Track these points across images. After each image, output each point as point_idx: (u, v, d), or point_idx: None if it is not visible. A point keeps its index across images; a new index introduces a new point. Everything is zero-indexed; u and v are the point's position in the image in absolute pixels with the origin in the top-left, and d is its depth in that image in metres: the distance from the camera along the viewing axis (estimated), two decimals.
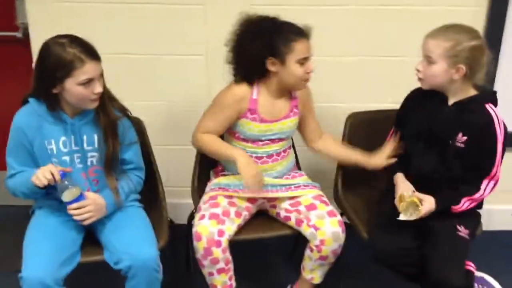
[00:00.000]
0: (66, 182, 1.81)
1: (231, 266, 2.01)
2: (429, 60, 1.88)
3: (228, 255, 1.97)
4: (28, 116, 1.89)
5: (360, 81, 2.59)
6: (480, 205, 2.07)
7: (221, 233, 1.95)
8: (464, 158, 1.95)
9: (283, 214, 2.11)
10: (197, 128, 2.14)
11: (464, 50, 1.83)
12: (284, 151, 2.18)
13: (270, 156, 2.14)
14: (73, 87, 1.80)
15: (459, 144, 1.93)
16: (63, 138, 1.91)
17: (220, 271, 1.99)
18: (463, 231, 1.96)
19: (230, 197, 2.09)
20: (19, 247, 1.88)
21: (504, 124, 1.94)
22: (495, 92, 1.99)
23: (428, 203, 1.92)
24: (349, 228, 2.12)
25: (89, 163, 1.96)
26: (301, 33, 1.96)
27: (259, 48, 1.95)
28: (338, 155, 2.22)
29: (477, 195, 1.96)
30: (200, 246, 1.94)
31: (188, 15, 2.47)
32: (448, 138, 1.94)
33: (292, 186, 2.15)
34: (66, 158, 1.92)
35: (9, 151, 1.92)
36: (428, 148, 1.99)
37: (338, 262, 2.13)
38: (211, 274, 2.01)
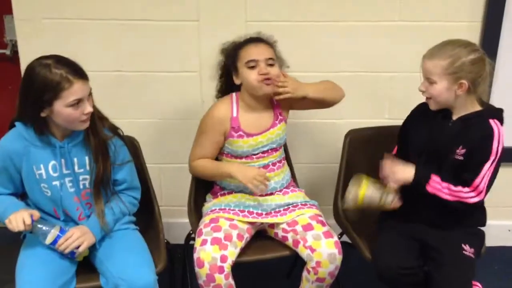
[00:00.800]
0: (42, 227, 1.79)
1: None
2: (429, 81, 1.86)
3: (230, 280, 1.93)
4: (15, 141, 1.82)
5: (356, 97, 2.57)
6: (483, 221, 2.04)
7: (224, 258, 1.91)
8: (461, 170, 1.91)
9: (280, 234, 2.09)
10: (190, 157, 2.17)
11: (464, 65, 1.81)
12: (280, 161, 2.17)
13: (266, 166, 2.12)
14: (62, 109, 1.74)
15: (458, 157, 1.90)
16: (52, 162, 1.85)
17: None
18: (468, 250, 1.92)
19: (231, 219, 2.04)
20: (11, 272, 1.82)
21: (503, 144, 1.89)
22: (501, 110, 1.95)
23: (407, 170, 1.91)
24: (350, 246, 2.08)
25: (81, 186, 1.90)
26: (247, 40, 2.07)
27: (227, 66, 2.10)
28: None
29: (455, 189, 1.88)
30: (202, 272, 1.89)
31: (182, 31, 2.44)
32: (448, 152, 1.91)
33: (290, 206, 2.12)
34: (56, 182, 1.86)
35: None
36: (429, 163, 1.96)
37: (339, 281, 2.08)
38: None
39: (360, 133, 2.33)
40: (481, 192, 1.88)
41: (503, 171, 2.77)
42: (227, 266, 1.90)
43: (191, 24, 2.43)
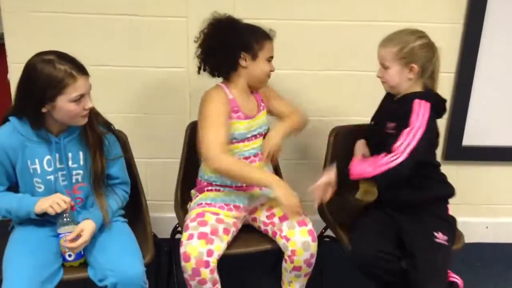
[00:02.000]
0: (68, 219, 1.83)
1: (218, 286, 1.98)
2: (384, 66, 2.02)
3: (216, 275, 1.94)
4: (10, 136, 1.82)
5: (342, 95, 2.61)
6: (450, 191, 2.10)
7: (210, 253, 1.92)
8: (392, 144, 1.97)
9: (262, 227, 2.12)
10: (210, 147, 1.98)
11: (413, 50, 1.96)
12: (255, 155, 2.18)
13: (256, 155, 2.15)
14: (65, 105, 1.75)
15: (389, 131, 2.01)
16: (47, 157, 1.86)
17: None
18: (441, 238, 1.97)
19: (217, 213, 2.06)
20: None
21: (426, 118, 1.94)
22: (436, 94, 2.05)
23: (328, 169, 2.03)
24: (335, 241, 2.12)
25: (74, 181, 1.91)
26: (269, 35, 2.09)
27: (234, 43, 2.02)
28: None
29: (377, 161, 1.92)
30: (188, 266, 1.91)
31: (171, 27, 2.45)
32: (382, 127, 2.05)
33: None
34: (51, 177, 1.87)
35: None
36: (372, 137, 2.14)
37: (322, 274, 2.12)
38: None
39: (344, 130, 2.36)
40: (402, 152, 1.90)
41: (480, 170, 2.86)
42: (212, 261, 1.91)
43: (179, 20, 2.44)
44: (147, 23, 2.44)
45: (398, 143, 1.91)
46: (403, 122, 1.95)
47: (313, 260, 2.06)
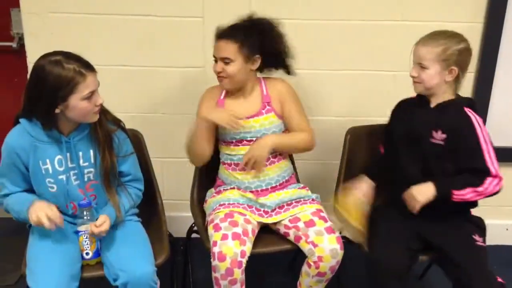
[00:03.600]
0: (88, 217, 1.87)
1: (244, 286, 1.99)
2: (421, 66, 1.96)
3: (243, 276, 1.96)
4: (21, 137, 1.85)
5: (358, 95, 2.59)
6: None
7: (243, 254, 1.94)
8: (444, 158, 1.97)
9: (282, 230, 2.11)
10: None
11: (454, 53, 1.93)
12: (274, 156, 2.17)
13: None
14: (78, 103, 1.78)
15: (437, 141, 1.97)
16: (58, 156, 1.88)
17: None
18: (479, 241, 1.97)
19: (243, 214, 2.07)
20: (15, 261, 1.84)
21: (482, 124, 1.98)
22: (472, 99, 2.09)
23: (425, 189, 1.93)
24: (350, 242, 2.10)
25: (86, 179, 1.93)
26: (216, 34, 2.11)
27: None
28: None
29: (480, 188, 1.94)
30: (222, 266, 1.92)
31: (187, 27, 2.46)
32: (426, 136, 2.00)
33: (293, 201, 2.14)
34: (62, 176, 1.89)
35: (2, 172, 1.89)
36: (408, 147, 2.04)
37: (339, 277, 2.10)
38: None
39: (360, 130, 2.35)
40: (499, 176, 1.95)
41: (501, 171, 2.80)
42: (244, 262, 1.94)
43: (196, 20, 2.45)
44: (164, 23, 2.45)
45: (492, 167, 1.93)
46: (457, 134, 1.94)
47: (337, 267, 2.04)
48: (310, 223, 2.04)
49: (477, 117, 1.97)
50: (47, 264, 1.80)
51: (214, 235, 1.98)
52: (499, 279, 1.97)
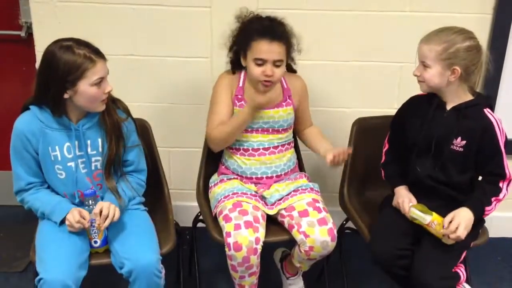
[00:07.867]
0: (94, 206, 1.88)
1: (259, 267, 2.05)
2: (424, 64, 1.89)
3: (259, 259, 2.01)
4: (30, 123, 1.86)
5: (366, 86, 2.59)
6: None
7: (257, 240, 1.97)
8: (462, 163, 1.95)
9: (279, 218, 2.13)
10: (207, 130, 2.16)
11: (458, 51, 1.83)
12: (282, 145, 2.19)
13: (266, 148, 2.15)
14: (87, 89, 1.79)
15: (457, 148, 1.93)
16: (67, 144, 1.89)
17: (251, 274, 2.04)
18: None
19: (250, 202, 2.08)
20: (23, 249, 1.86)
21: (502, 125, 1.95)
22: (490, 97, 2.02)
23: (464, 215, 1.88)
24: (356, 233, 2.11)
25: (93, 168, 1.95)
26: (263, 32, 2.03)
27: (237, 42, 2.11)
28: (310, 145, 2.27)
29: (501, 195, 1.94)
30: (239, 255, 1.95)
31: (194, 17, 2.46)
32: (446, 143, 1.94)
33: (292, 191, 2.15)
34: (71, 164, 1.91)
35: (14, 160, 1.90)
36: (426, 153, 1.98)
37: (342, 267, 2.11)
38: (242, 277, 2.05)
39: (367, 121, 2.34)
40: (510, 176, 1.96)
41: (509, 163, 2.79)
42: (259, 248, 1.98)
43: (204, 10, 2.45)
44: (171, 13, 2.45)
45: (506, 169, 1.93)
46: (478, 140, 1.90)
47: (328, 254, 2.07)
48: (303, 213, 2.05)
49: (497, 118, 1.92)
50: (56, 252, 1.82)
51: (226, 226, 1.99)
52: (459, 270, 1.97)
